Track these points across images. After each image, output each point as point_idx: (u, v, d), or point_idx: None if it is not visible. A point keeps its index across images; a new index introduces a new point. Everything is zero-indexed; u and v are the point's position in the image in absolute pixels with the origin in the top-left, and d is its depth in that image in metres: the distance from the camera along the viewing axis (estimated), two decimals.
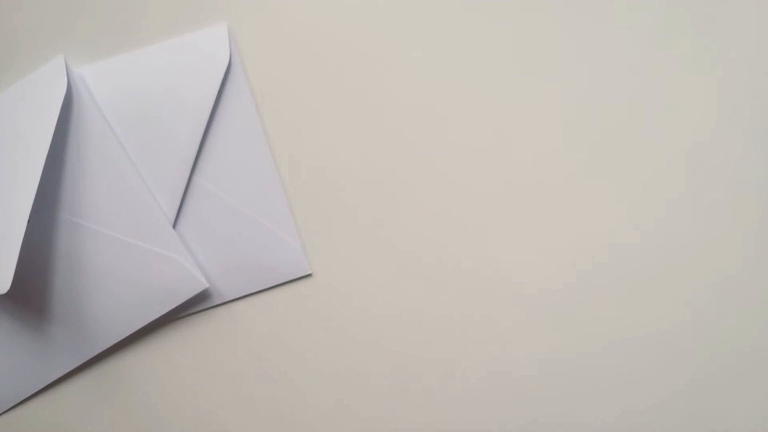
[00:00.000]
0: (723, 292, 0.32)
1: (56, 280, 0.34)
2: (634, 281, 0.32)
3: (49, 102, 0.32)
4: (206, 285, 0.33)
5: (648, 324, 0.32)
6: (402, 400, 0.34)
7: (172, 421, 0.36)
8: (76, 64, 0.33)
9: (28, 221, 0.30)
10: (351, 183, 0.33)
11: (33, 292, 0.34)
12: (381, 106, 0.33)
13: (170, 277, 0.33)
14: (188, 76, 0.32)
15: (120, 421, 0.36)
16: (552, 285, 0.33)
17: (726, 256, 0.32)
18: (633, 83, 0.32)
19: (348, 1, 0.32)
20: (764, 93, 0.31)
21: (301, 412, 0.35)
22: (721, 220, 0.32)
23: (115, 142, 0.33)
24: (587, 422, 0.33)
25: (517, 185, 0.33)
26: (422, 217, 0.33)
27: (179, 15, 0.33)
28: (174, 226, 0.34)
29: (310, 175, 0.33)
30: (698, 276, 0.32)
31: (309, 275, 0.34)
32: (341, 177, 0.33)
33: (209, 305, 0.35)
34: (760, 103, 0.31)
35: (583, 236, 0.32)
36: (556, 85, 0.32)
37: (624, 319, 0.33)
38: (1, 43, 0.34)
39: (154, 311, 0.34)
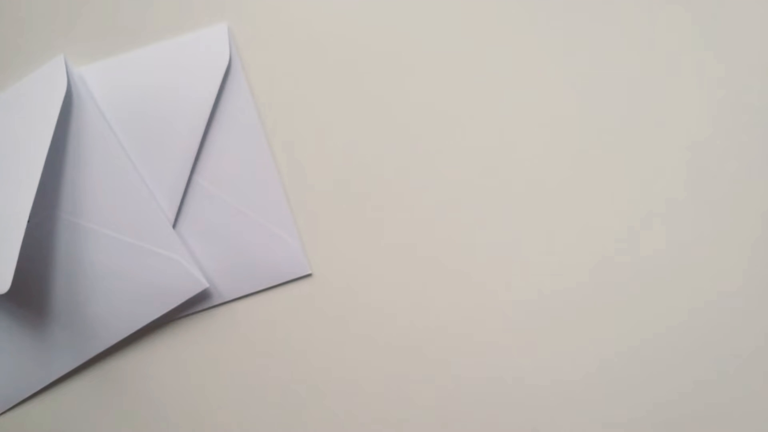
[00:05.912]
0: (725, 298, 0.32)
1: (56, 280, 0.34)
2: (635, 285, 0.32)
3: (49, 102, 0.31)
4: (206, 285, 0.33)
5: (649, 329, 0.32)
6: (403, 400, 0.34)
7: (172, 421, 0.36)
8: (76, 64, 0.33)
9: (28, 221, 0.30)
10: (351, 182, 0.33)
11: (33, 292, 0.34)
12: (381, 106, 0.33)
13: (170, 277, 0.33)
14: (188, 75, 0.32)
15: (120, 421, 0.36)
16: (555, 287, 0.33)
17: (726, 260, 0.32)
18: (634, 85, 0.31)
19: (348, 0, 0.32)
20: (765, 92, 0.31)
21: (301, 412, 0.35)
22: (721, 221, 0.32)
23: (115, 142, 0.33)
24: (587, 428, 0.33)
25: (516, 185, 0.33)
26: (422, 217, 0.33)
27: (179, 15, 0.33)
28: (174, 226, 0.34)
29: (310, 174, 0.33)
30: (700, 279, 0.32)
31: (309, 275, 0.34)
32: (341, 177, 0.33)
33: (209, 305, 0.35)
34: (762, 103, 0.31)
35: (587, 239, 0.32)
36: (557, 87, 0.32)
37: (625, 324, 0.32)
38: (1, 43, 0.34)
39: (154, 311, 0.34)
